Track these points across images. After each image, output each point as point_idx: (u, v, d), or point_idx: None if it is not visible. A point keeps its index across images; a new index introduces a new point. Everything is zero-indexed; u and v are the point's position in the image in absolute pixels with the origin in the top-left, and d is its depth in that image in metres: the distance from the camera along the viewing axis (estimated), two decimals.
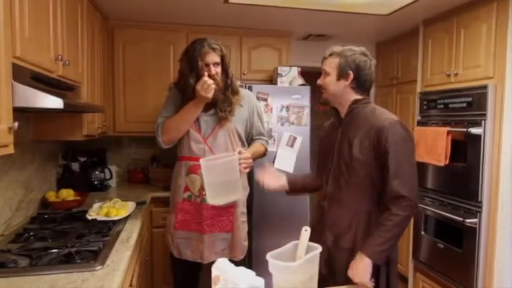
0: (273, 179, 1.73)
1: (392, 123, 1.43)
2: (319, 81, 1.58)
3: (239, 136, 2.13)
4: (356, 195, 1.49)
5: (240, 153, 1.92)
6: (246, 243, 2.17)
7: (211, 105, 2.08)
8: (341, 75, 1.51)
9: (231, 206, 2.09)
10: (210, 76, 2.00)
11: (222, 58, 2.07)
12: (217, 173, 1.81)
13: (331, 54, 1.54)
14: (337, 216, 1.53)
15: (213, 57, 2.02)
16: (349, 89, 1.52)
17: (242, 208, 2.15)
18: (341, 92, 1.53)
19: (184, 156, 2.10)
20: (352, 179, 1.48)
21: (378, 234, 1.39)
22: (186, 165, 2.08)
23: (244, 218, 2.17)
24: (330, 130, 1.66)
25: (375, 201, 1.50)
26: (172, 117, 2.08)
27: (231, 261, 1.22)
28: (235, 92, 2.12)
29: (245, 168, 1.94)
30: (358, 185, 1.48)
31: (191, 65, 2.02)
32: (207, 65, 2.01)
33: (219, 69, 2.05)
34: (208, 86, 1.91)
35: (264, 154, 2.23)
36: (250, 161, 1.98)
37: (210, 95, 1.94)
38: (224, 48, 2.10)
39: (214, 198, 1.85)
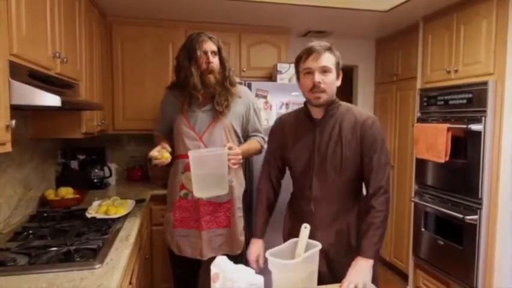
0: (258, 256, 1.60)
1: (373, 118, 1.49)
2: (318, 79, 1.44)
3: (235, 132, 2.12)
4: (344, 192, 1.53)
5: (230, 148, 1.91)
6: (242, 238, 2.18)
7: (207, 100, 2.07)
8: (338, 73, 1.50)
9: (228, 202, 2.09)
10: (208, 63, 2.01)
11: (219, 50, 2.08)
12: (205, 166, 1.81)
13: (328, 49, 1.47)
14: (326, 216, 1.54)
15: (211, 46, 2.04)
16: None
17: (238, 204, 2.15)
18: (335, 92, 1.52)
19: (181, 154, 2.09)
20: (341, 177, 1.50)
21: (372, 234, 1.40)
22: (182, 163, 2.08)
23: (241, 213, 2.17)
24: (299, 133, 1.58)
25: (359, 193, 1.57)
26: (157, 139, 2.18)
27: (229, 257, 1.22)
28: (233, 84, 2.12)
29: (234, 164, 1.93)
30: (346, 181, 1.51)
31: (189, 54, 2.03)
32: (205, 53, 2.02)
33: (216, 59, 2.06)
34: (155, 163, 1.97)
35: (259, 151, 2.23)
36: (240, 157, 1.97)
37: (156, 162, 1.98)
38: (220, 41, 2.11)
39: (199, 191, 1.85)
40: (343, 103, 1.56)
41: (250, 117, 2.19)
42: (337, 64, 1.48)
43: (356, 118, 1.49)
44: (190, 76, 2.01)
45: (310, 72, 1.46)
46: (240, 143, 2.15)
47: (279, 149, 1.67)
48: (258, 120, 2.24)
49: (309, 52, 1.47)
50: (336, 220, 1.53)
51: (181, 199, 2.10)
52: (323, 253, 1.48)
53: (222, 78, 2.06)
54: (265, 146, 2.31)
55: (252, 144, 2.17)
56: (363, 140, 1.46)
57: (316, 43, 1.48)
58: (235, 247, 2.14)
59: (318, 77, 1.44)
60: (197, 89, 2.01)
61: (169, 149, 2.00)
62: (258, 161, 2.71)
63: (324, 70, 1.45)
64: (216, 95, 2.05)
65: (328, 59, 1.45)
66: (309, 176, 1.55)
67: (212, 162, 1.80)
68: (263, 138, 2.25)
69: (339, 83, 1.51)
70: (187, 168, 2.05)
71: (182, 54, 2.08)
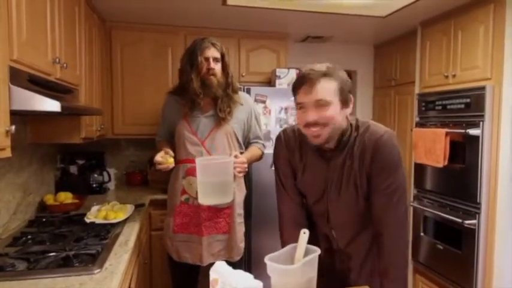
0: None
1: (386, 137, 1.25)
2: (311, 118, 1.17)
3: (237, 138, 2.13)
4: (365, 214, 1.40)
5: (236, 157, 1.92)
6: (242, 244, 2.17)
7: (210, 106, 2.08)
8: (344, 102, 1.21)
9: (228, 208, 2.09)
10: (208, 70, 2.02)
11: (222, 56, 2.08)
12: (211, 173, 1.81)
13: (325, 75, 1.17)
14: (348, 236, 1.45)
15: (213, 52, 2.04)
16: (346, 116, 1.26)
17: (239, 210, 2.15)
18: (344, 122, 1.25)
19: (182, 159, 2.10)
20: (360, 206, 1.36)
21: None
22: (183, 168, 2.08)
23: (241, 220, 2.17)
24: (308, 163, 1.38)
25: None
26: (159, 145, 2.18)
27: (228, 262, 1.22)
28: (235, 91, 2.13)
29: (239, 172, 1.94)
30: (366, 207, 1.37)
31: (191, 60, 2.05)
32: (207, 60, 2.03)
33: (218, 66, 2.06)
34: (159, 168, 1.98)
35: (260, 158, 2.24)
36: (245, 165, 1.98)
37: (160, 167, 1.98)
38: (224, 48, 2.11)
39: (205, 198, 1.85)
40: (361, 123, 1.30)
41: (252, 124, 2.20)
42: (341, 90, 1.18)
43: (366, 141, 1.25)
44: (190, 82, 2.02)
45: (303, 107, 1.20)
46: (241, 149, 2.15)
47: (290, 169, 1.43)
48: (259, 127, 2.25)
49: (301, 82, 1.19)
50: (358, 235, 1.44)
51: (182, 204, 2.10)
52: (349, 264, 1.47)
53: (225, 83, 2.07)
54: (267, 151, 2.32)
55: (254, 151, 2.18)
56: (372, 164, 1.25)
57: (310, 68, 1.19)
58: (235, 253, 2.13)
59: (311, 115, 1.17)
60: (197, 94, 2.02)
61: (173, 154, 2.00)
62: (258, 167, 2.73)
63: (320, 104, 1.17)
64: (218, 102, 2.05)
65: (324, 89, 1.16)
66: (324, 207, 1.40)
67: (218, 170, 1.80)
68: (263, 145, 2.27)
69: (349, 111, 1.23)
70: (188, 173, 2.05)
71: (186, 57, 2.10)
